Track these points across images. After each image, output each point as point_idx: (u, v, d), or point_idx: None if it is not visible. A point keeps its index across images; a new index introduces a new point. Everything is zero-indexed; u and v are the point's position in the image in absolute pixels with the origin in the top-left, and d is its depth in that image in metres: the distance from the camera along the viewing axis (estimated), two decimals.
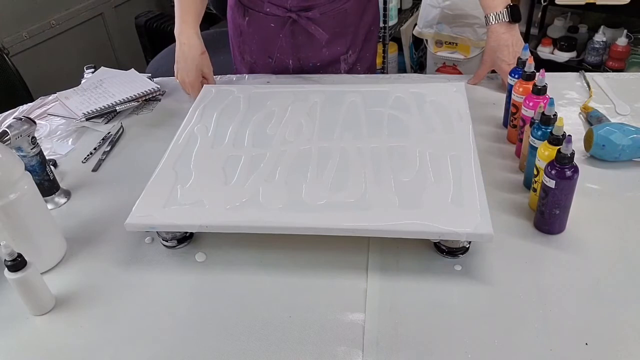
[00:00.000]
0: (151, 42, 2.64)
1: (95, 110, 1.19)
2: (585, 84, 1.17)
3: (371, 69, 1.38)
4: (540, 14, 2.25)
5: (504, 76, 1.13)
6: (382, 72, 2.33)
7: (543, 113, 0.82)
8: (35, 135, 0.92)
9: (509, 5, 1.10)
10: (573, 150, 0.74)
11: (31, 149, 0.91)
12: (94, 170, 1.05)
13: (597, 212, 0.85)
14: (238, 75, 1.34)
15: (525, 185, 0.91)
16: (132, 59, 2.77)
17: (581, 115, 1.07)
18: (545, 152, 0.79)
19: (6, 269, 0.72)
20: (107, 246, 0.87)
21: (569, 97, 1.13)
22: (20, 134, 0.88)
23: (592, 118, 1.03)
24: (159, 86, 1.27)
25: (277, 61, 1.30)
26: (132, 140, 1.14)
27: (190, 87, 1.20)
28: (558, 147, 0.75)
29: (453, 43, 2.21)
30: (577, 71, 1.21)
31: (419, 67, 2.57)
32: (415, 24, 2.33)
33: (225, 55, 1.46)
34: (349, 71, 1.32)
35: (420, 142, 0.92)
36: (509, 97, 1.03)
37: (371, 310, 0.73)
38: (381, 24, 2.18)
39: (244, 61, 1.35)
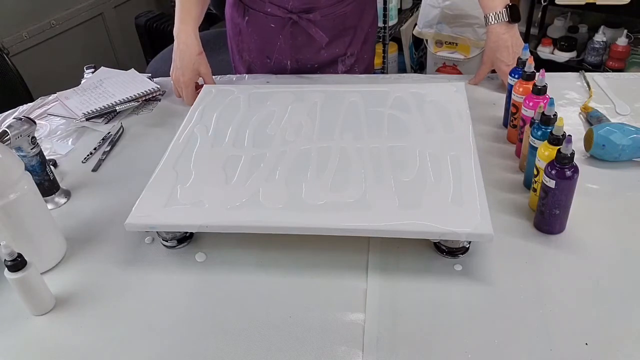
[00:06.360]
0: (151, 42, 2.64)
1: (95, 110, 1.19)
2: (585, 84, 1.17)
3: (368, 70, 1.38)
4: (540, 14, 2.25)
5: (504, 77, 1.13)
6: (382, 72, 2.33)
7: (543, 113, 0.82)
8: (35, 135, 0.92)
9: (508, 5, 1.10)
10: (573, 150, 0.74)
11: (31, 149, 0.91)
12: (94, 170, 1.05)
13: (597, 212, 0.85)
14: (238, 75, 1.34)
15: (525, 185, 0.91)
16: (132, 59, 2.77)
17: (581, 115, 1.07)
18: (545, 152, 0.79)
19: (6, 269, 0.72)
20: (107, 246, 0.87)
21: (569, 97, 1.13)
22: (20, 134, 0.88)
23: (592, 118, 1.03)
24: (159, 86, 1.27)
25: (275, 62, 1.30)
26: (132, 140, 1.13)
27: (184, 86, 1.19)
28: (558, 147, 0.75)
29: (453, 43, 2.21)
30: (577, 71, 1.21)
31: (419, 67, 2.57)
32: (415, 24, 2.33)
33: (225, 55, 1.46)
34: (347, 72, 1.32)
35: (420, 142, 0.92)
36: (509, 97, 1.03)
37: (371, 310, 0.73)
38: (381, 24, 2.18)
39: (242, 60, 1.35)
